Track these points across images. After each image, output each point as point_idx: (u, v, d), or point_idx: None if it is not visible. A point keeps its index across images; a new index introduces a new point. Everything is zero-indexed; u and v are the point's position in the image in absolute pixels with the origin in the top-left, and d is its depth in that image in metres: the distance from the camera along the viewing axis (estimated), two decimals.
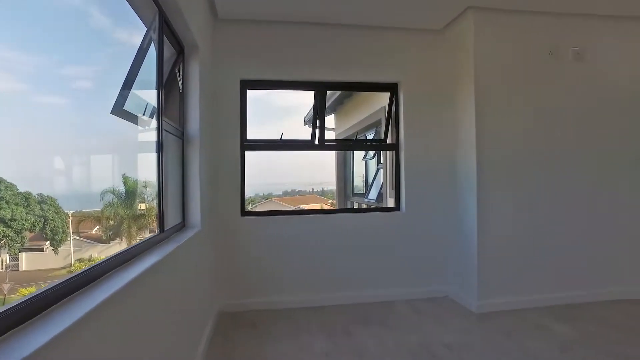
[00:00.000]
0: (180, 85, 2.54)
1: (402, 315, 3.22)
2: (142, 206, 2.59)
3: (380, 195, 5.38)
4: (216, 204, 3.33)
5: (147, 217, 2.52)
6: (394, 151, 3.79)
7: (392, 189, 3.85)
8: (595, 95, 3.48)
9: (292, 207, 11.76)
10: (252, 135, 3.52)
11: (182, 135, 2.57)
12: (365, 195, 6.57)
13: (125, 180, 2.29)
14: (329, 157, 8.01)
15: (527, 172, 3.34)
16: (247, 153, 3.50)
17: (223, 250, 3.36)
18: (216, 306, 3.23)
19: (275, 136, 3.61)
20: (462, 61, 3.40)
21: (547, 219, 3.38)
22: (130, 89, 1.76)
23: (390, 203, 3.92)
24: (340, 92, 6.24)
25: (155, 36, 1.98)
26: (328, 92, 6.28)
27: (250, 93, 3.53)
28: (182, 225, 2.57)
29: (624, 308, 3.27)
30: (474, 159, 3.26)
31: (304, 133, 3.71)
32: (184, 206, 2.62)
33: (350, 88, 3.85)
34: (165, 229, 2.09)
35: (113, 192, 2.24)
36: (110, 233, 2.44)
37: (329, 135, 6.96)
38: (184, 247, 2.07)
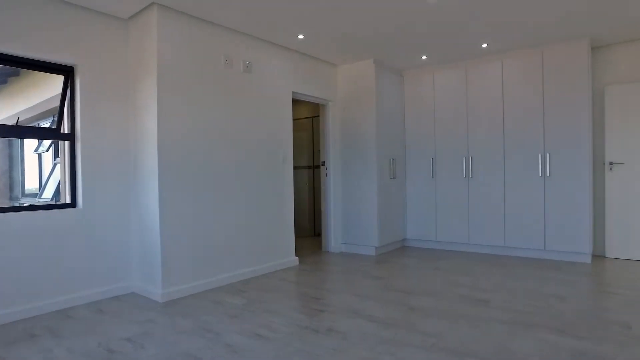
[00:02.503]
0: None
1: (80, 319, 2.96)
2: None
3: (58, 194, 4.72)
4: None
5: None
6: (69, 142, 3.42)
7: (69, 184, 3.47)
8: (258, 103, 4.21)
9: None
10: None
11: None
12: (38, 194, 5.61)
13: None
14: None
15: (204, 165, 3.70)
16: None
17: None
18: None
19: None
20: (147, 55, 3.43)
21: (219, 207, 3.83)
22: None
23: (68, 200, 3.52)
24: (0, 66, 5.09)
25: None
26: None
27: None
28: None
29: (279, 275, 4.10)
30: (155, 151, 3.34)
31: None
32: None
33: (12, 63, 3.22)
34: None
35: None
36: None
37: None
38: None
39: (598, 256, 4.76)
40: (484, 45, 4.59)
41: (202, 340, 2.53)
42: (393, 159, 5.37)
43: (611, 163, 4.63)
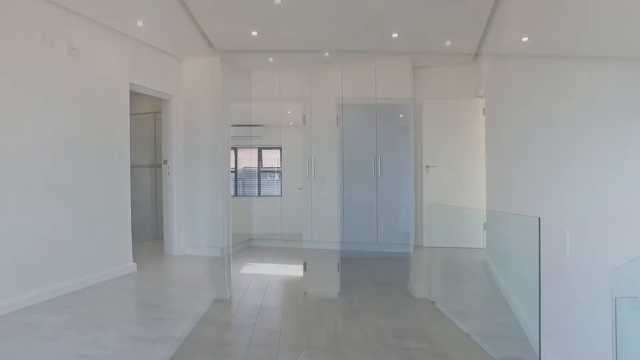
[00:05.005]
0: None
1: None
2: None
3: None
4: None
5: None
6: None
7: None
8: (87, 92, 3.74)
9: None
10: None
11: None
12: None
13: None
14: None
15: (6, 163, 3.11)
16: None
17: None
18: None
19: None
20: None
21: (31, 211, 3.28)
22: None
23: None
24: None
25: None
26: None
27: None
28: None
29: (113, 284, 3.70)
30: None
31: None
32: None
33: None
34: None
35: None
36: None
37: None
38: None
39: (418, 246, 5.52)
40: (326, 54, 4.90)
41: None
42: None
43: (427, 166, 5.42)
